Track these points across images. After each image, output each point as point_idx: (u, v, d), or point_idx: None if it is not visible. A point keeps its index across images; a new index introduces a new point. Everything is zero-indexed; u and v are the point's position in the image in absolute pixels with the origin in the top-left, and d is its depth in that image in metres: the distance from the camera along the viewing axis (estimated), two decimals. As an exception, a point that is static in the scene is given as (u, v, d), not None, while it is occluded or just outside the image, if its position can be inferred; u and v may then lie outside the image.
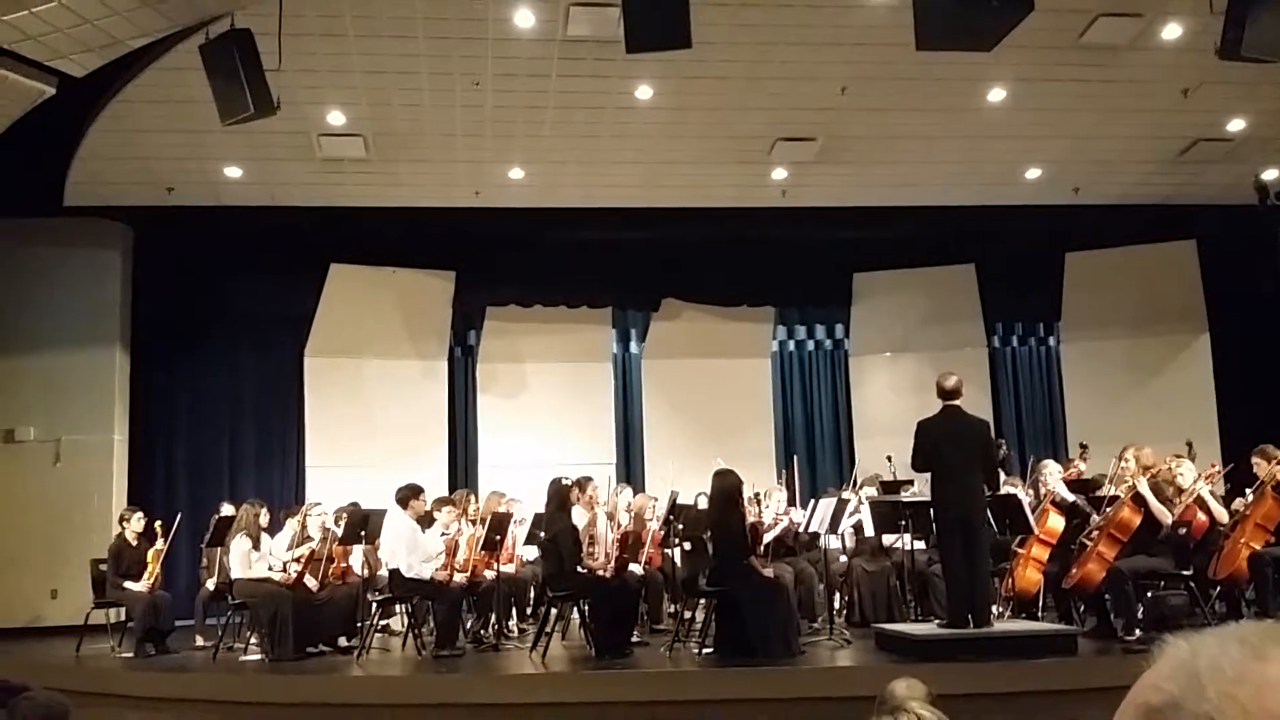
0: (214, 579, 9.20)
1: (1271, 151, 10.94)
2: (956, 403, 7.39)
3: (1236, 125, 10.43)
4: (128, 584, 8.85)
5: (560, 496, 8.23)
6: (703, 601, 8.35)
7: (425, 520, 8.72)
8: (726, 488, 7.76)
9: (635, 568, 8.81)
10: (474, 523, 9.12)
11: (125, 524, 9.17)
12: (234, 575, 8.45)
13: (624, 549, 8.56)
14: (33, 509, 10.93)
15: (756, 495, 9.45)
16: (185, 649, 8.95)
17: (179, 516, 9.40)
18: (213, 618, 9.46)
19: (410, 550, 8.29)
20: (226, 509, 9.58)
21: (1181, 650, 0.71)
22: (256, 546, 8.56)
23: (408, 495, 8.49)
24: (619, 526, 9.15)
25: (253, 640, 8.56)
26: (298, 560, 8.51)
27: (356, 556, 9.16)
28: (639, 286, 13.10)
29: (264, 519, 8.83)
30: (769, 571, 8.00)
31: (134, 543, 9.07)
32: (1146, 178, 11.59)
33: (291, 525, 8.86)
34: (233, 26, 7.52)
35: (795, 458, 10.85)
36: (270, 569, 8.50)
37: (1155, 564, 7.68)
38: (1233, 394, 12.39)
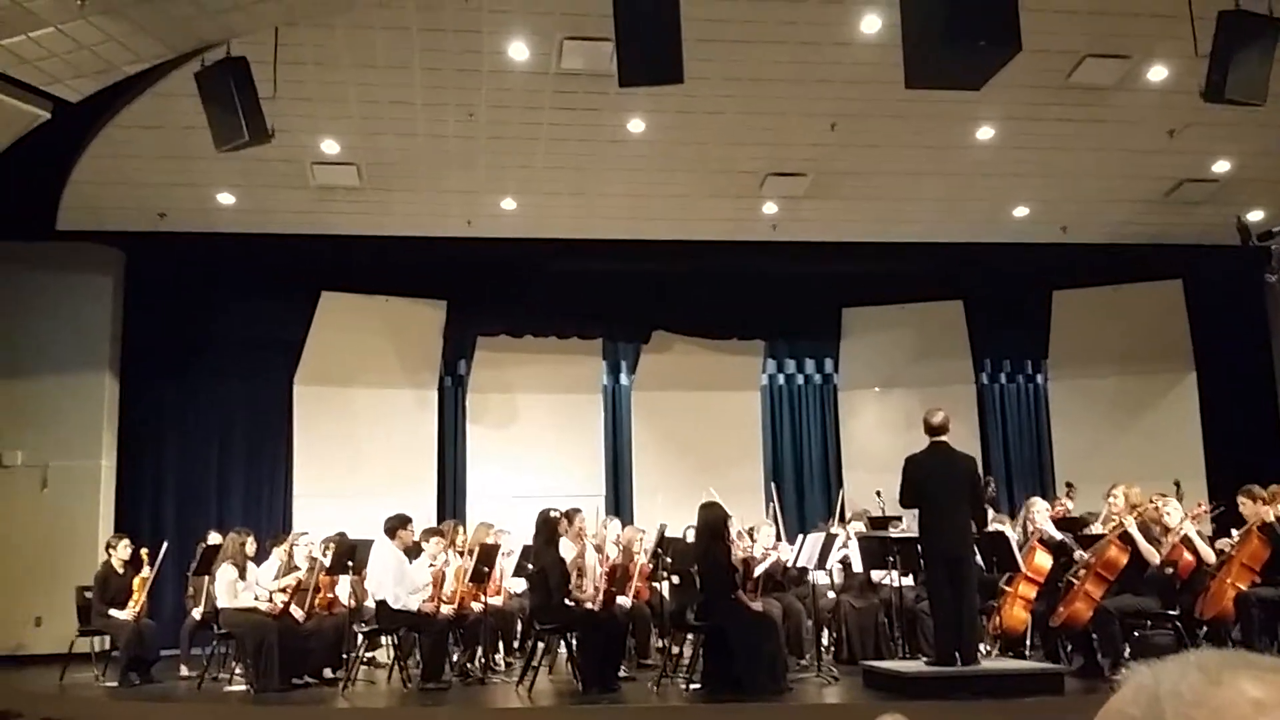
0: (200, 608, 9.13)
1: (1256, 192, 11.07)
2: (944, 439, 7.41)
3: (1222, 166, 10.56)
4: (113, 612, 8.79)
5: (548, 528, 8.21)
6: (690, 636, 8.32)
7: (413, 551, 8.69)
8: (712, 520, 7.75)
9: (623, 600, 8.79)
10: (462, 554, 9.08)
11: (112, 551, 9.12)
12: (220, 604, 8.39)
13: (612, 582, 8.54)
14: (19, 535, 10.85)
15: (750, 530, 9.45)
16: (170, 678, 8.88)
17: (165, 545, 9.35)
18: (198, 647, 9.40)
19: (397, 581, 8.26)
20: (214, 538, 9.53)
21: (1145, 677, 0.75)
22: (243, 576, 8.51)
23: (395, 525, 8.46)
24: (607, 559, 9.13)
25: (238, 671, 8.49)
26: (284, 590, 8.46)
27: (343, 587, 9.11)
28: (629, 318, 13.13)
29: (250, 548, 8.77)
30: (758, 606, 7.99)
31: (120, 570, 9.01)
32: (1133, 217, 11.70)
33: (278, 555, 8.82)
34: (228, 54, 7.58)
35: (776, 488, 10.81)
36: (256, 599, 8.45)
37: (1142, 603, 7.69)
38: (1219, 433, 12.45)
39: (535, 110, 9.17)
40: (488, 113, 9.20)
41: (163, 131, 9.25)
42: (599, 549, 9.10)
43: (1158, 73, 8.77)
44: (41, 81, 7.86)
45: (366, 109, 9.14)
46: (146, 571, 9.01)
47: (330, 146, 9.77)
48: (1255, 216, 11.05)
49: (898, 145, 9.95)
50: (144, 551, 9.09)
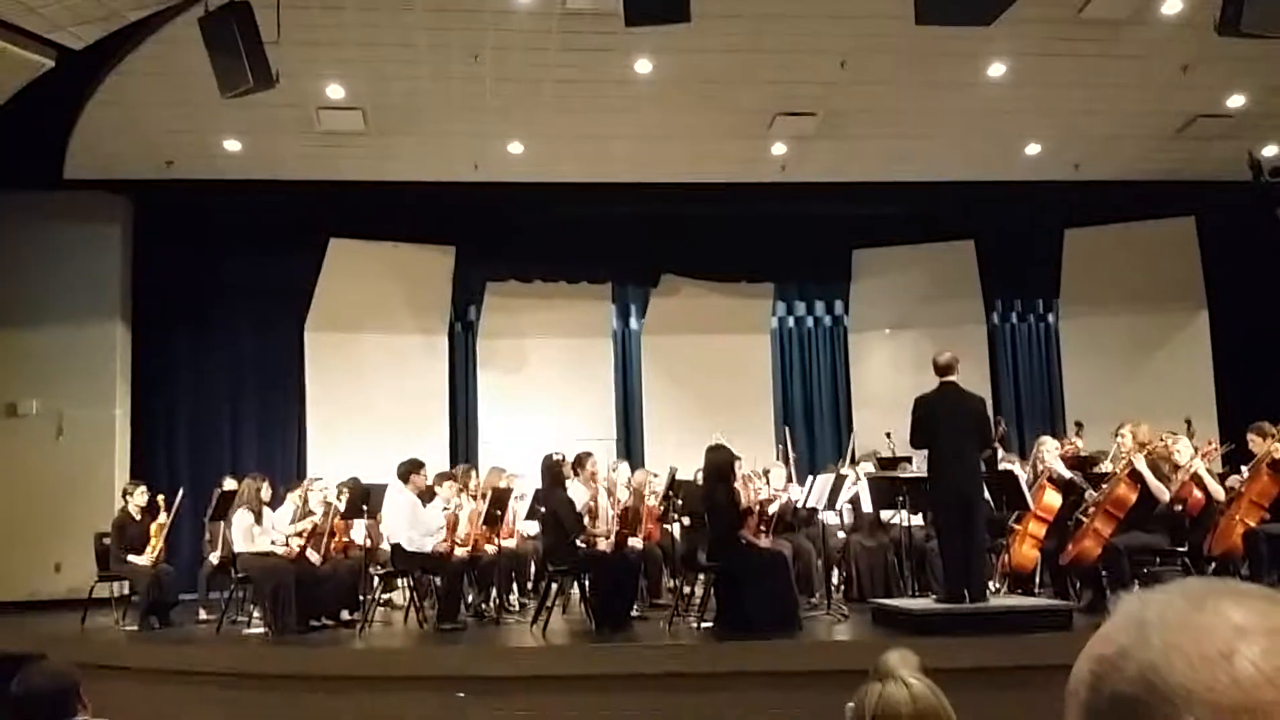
0: (217, 553, 9.25)
1: (1271, 128, 10.93)
2: (953, 379, 7.40)
3: (1236, 101, 10.42)
4: (131, 558, 8.90)
5: (553, 472, 8.27)
6: (702, 576, 8.40)
7: (426, 495, 8.76)
8: (718, 462, 7.79)
9: (634, 542, 8.87)
10: (474, 498, 9.16)
11: (128, 498, 9.20)
12: (236, 549, 8.50)
13: (624, 524, 8.61)
14: (35, 483, 10.97)
15: (766, 471, 9.50)
16: (189, 623, 9.01)
17: (181, 491, 9.44)
18: (215, 591, 9.53)
19: (411, 525, 8.34)
20: (229, 483, 9.62)
21: (1133, 605, 0.78)
22: (259, 521, 8.61)
23: (408, 470, 8.54)
24: (619, 502, 9.20)
25: (255, 614, 8.62)
26: (300, 535, 8.56)
27: (358, 530, 9.21)
28: (638, 262, 13.10)
29: (266, 493, 8.86)
30: (767, 542, 8.05)
31: (137, 517, 9.11)
32: (1146, 154, 11.58)
33: (292, 500, 8.90)
34: (232, -1, 7.51)
35: (789, 430, 10.83)
36: (273, 543, 8.55)
37: (1151, 540, 7.73)
38: (1231, 371, 12.41)
39: (541, 52, 9.09)
40: (493, 55, 9.12)
41: (167, 78, 9.20)
42: (610, 492, 9.17)
43: (1171, 6, 8.63)
44: (44, 29, 7.81)
45: (371, 53, 9.07)
46: (163, 518, 9.10)
47: (335, 91, 9.71)
48: (1270, 152, 10.95)
49: (908, 83, 9.84)
50: (160, 498, 9.18)
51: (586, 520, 8.43)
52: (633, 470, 10.37)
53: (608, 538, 8.52)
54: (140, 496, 9.17)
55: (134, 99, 9.61)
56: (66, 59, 8.22)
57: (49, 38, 7.93)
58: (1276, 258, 12.52)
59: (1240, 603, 0.73)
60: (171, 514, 9.14)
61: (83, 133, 10.20)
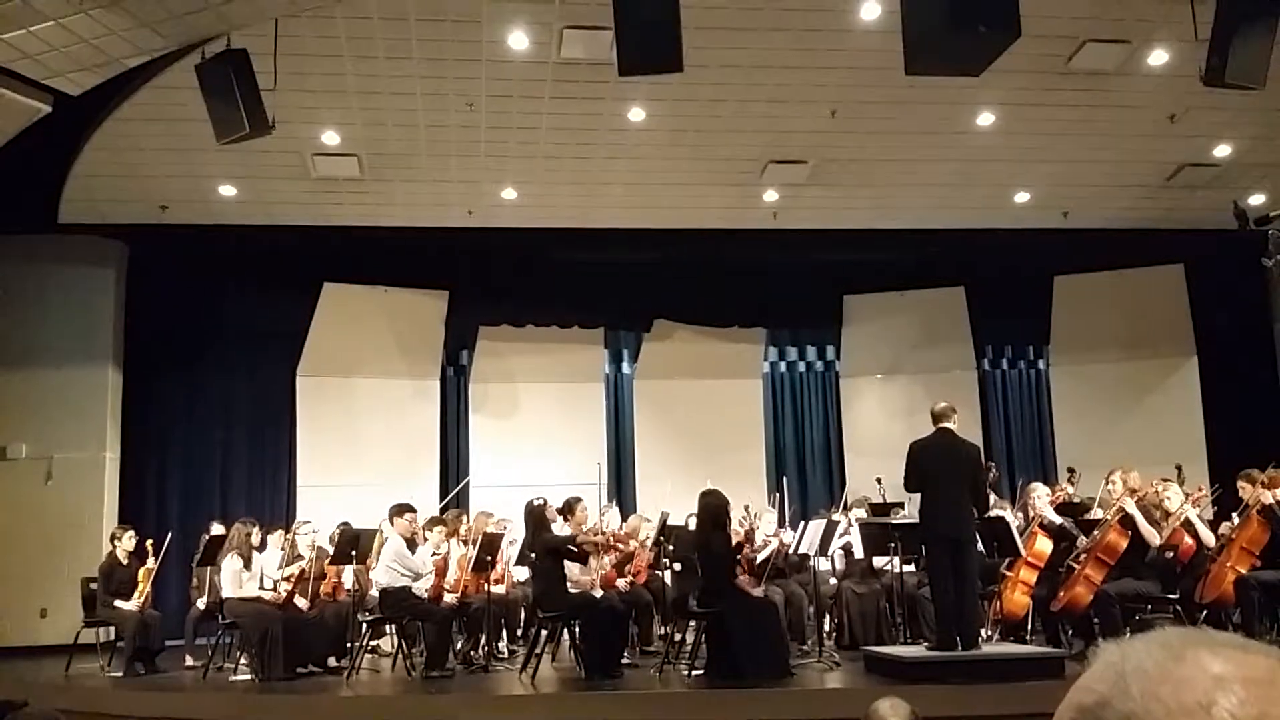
0: (205, 598, 9.18)
1: (1257, 177, 11.05)
2: (949, 426, 7.44)
3: (1223, 151, 10.55)
4: (118, 603, 8.83)
5: (534, 517, 8.24)
6: (693, 623, 8.36)
7: (413, 541, 8.72)
8: (711, 507, 7.78)
9: (621, 582, 8.85)
10: (465, 543, 9.12)
11: (117, 542, 9.15)
12: (225, 595, 8.44)
13: (616, 568, 8.58)
14: (24, 527, 10.90)
15: (756, 514, 9.49)
16: (175, 668, 8.92)
17: (169, 536, 9.39)
18: (203, 637, 9.44)
19: (392, 560, 8.31)
20: (216, 528, 9.57)
21: (1112, 654, 0.77)
22: (248, 566, 8.56)
23: (394, 513, 8.54)
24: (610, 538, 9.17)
25: (242, 661, 8.54)
26: (288, 579, 8.50)
27: (348, 575, 9.15)
28: (631, 307, 13.15)
29: (256, 538, 8.82)
30: (759, 592, 8.02)
31: (125, 561, 9.05)
32: (1134, 202, 11.69)
33: (274, 544, 8.85)
34: (229, 46, 7.59)
35: (785, 479, 10.84)
36: (261, 587, 8.50)
37: (1142, 587, 7.72)
38: (1220, 417, 12.45)
39: (535, 100, 9.18)
40: (488, 102, 9.21)
41: (163, 124, 9.27)
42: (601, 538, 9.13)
43: (1158, 57, 8.75)
44: (42, 75, 7.87)
45: (367, 100, 9.15)
46: (151, 562, 9.05)
47: (331, 138, 9.78)
48: (1256, 200, 11.04)
49: (898, 132, 9.95)
50: (149, 543, 9.13)
51: (577, 570, 8.41)
52: (624, 516, 10.33)
53: (594, 583, 8.48)
54: (128, 541, 9.12)
55: (130, 144, 9.67)
56: (63, 104, 8.28)
57: (46, 83, 7.99)
58: (1264, 304, 12.62)
59: (1217, 653, 0.74)
60: (159, 558, 9.08)
61: (78, 177, 10.25)
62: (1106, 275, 12.83)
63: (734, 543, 8.14)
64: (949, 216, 11.90)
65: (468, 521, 9.96)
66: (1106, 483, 8.28)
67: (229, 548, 8.59)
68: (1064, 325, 13.13)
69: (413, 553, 8.50)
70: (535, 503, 8.32)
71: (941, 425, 7.43)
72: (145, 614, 8.80)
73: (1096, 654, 0.80)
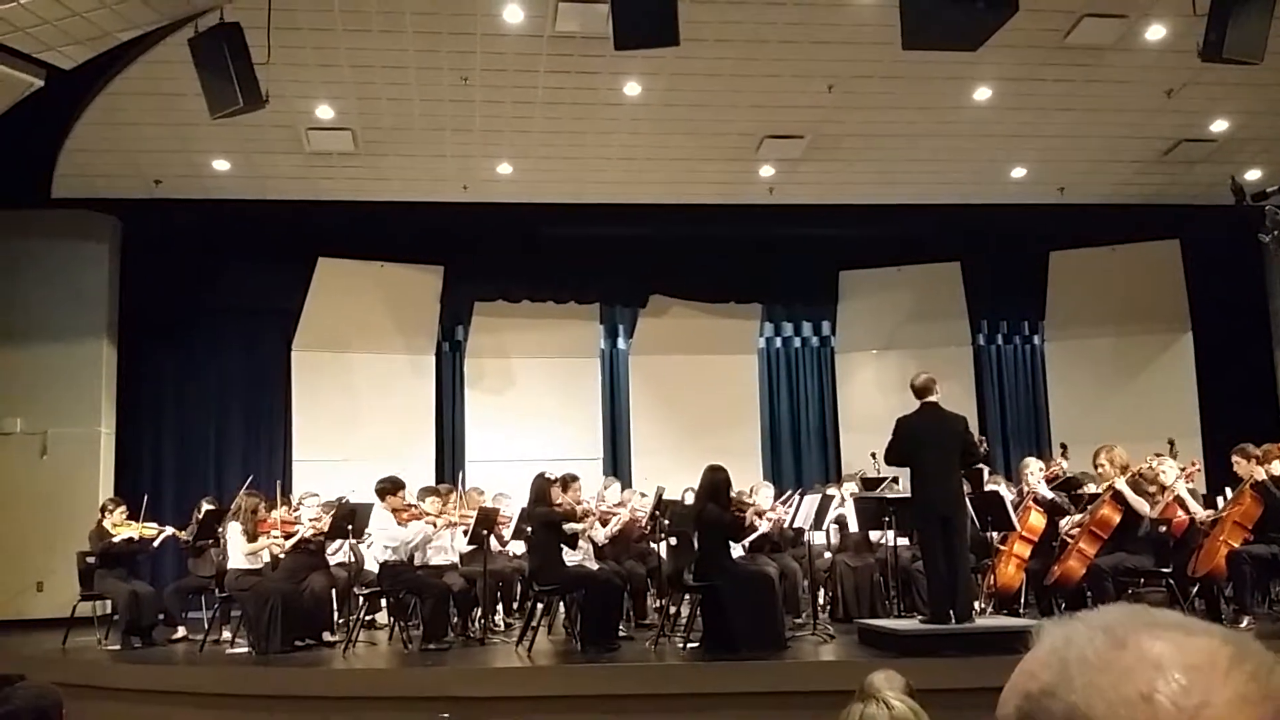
0: (204, 571, 9.22)
1: (1254, 152, 11.04)
2: (933, 399, 7.44)
3: (1219, 126, 10.53)
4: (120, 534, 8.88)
5: (536, 489, 8.25)
6: (688, 596, 8.40)
7: (405, 513, 8.74)
8: (714, 481, 7.80)
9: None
10: (452, 525, 9.12)
11: (107, 514, 9.18)
12: (231, 564, 8.50)
13: (614, 543, 8.62)
14: (19, 502, 10.91)
15: (750, 490, 9.51)
16: (172, 642, 8.96)
17: (168, 529, 9.43)
18: (197, 611, 9.48)
19: (380, 531, 8.37)
20: (206, 506, 9.59)
21: (1056, 638, 0.76)
22: (253, 539, 8.61)
23: (385, 489, 8.54)
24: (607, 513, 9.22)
25: (227, 633, 8.59)
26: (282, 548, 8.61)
27: (344, 551, 9.19)
28: (627, 282, 13.13)
29: (261, 511, 8.87)
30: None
31: (114, 534, 9.08)
32: (1131, 178, 11.68)
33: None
34: (222, 20, 7.54)
35: (781, 462, 10.86)
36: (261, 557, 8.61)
37: (1135, 561, 7.77)
38: (1215, 393, 12.48)
39: (530, 74, 9.14)
40: (482, 77, 9.16)
41: (157, 99, 9.22)
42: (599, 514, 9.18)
43: (1155, 32, 8.72)
44: (34, 49, 7.82)
45: (361, 74, 9.10)
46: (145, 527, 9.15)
47: (325, 112, 9.73)
48: (1253, 175, 11.04)
49: (895, 107, 9.92)
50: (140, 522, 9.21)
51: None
52: (622, 489, 10.36)
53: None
54: (120, 515, 9.16)
55: (123, 119, 9.62)
56: (56, 78, 8.23)
57: (39, 57, 7.94)
58: (1260, 280, 12.63)
59: (1159, 636, 0.73)
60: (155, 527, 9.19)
61: (71, 152, 10.20)
62: (1102, 251, 12.82)
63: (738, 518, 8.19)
64: (945, 192, 11.89)
65: (461, 496, 9.92)
66: (1095, 466, 8.28)
67: (234, 516, 8.63)
68: (1059, 301, 13.14)
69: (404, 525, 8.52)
70: (547, 475, 8.34)
71: (926, 400, 7.43)
72: (138, 588, 8.83)
73: (1040, 632, 0.78)
